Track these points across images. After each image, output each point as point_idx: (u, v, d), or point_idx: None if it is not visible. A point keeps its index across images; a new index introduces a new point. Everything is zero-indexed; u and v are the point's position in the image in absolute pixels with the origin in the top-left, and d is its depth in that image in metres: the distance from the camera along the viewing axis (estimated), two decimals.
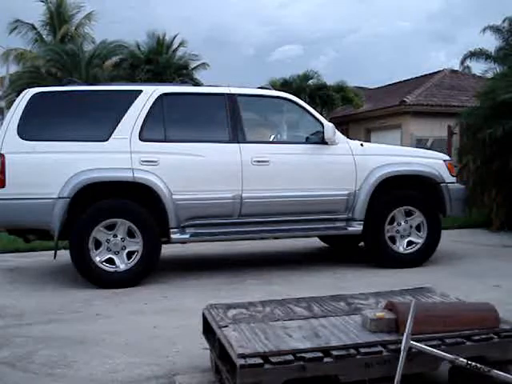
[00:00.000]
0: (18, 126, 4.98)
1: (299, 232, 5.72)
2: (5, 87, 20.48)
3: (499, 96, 8.18)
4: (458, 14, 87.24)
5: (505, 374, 2.30)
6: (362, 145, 5.84)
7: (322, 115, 6.00)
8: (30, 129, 5.00)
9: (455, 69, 20.01)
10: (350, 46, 75.94)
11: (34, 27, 21.56)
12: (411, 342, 2.28)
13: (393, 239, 5.74)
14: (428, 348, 2.30)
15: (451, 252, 6.59)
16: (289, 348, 2.28)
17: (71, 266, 5.10)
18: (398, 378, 2.21)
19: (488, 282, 4.95)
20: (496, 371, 2.27)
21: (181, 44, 20.52)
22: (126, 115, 5.18)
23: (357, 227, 5.62)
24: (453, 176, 6.06)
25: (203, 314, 2.85)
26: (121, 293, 4.79)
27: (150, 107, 5.25)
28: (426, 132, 16.08)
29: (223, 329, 2.52)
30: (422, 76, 20.02)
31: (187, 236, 5.21)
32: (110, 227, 5.01)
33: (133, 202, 5.06)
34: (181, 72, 19.37)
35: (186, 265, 6.36)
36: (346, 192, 5.58)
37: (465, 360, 2.27)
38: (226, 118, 5.43)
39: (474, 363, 2.25)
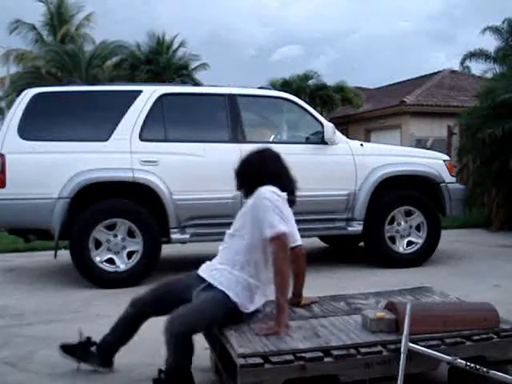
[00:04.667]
0: (19, 126, 4.98)
1: (299, 232, 5.71)
2: (5, 88, 20.48)
3: (499, 96, 8.19)
4: (457, 15, 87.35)
5: (504, 375, 2.30)
6: (361, 145, 5.85)
7: (321, 115, 6.00)
8: (30, 129, 5.00)
9: (455, 69, 20.06)
10: (350, 46, 76.04)
11: (34, 27, 21.57)
12: (410, 344, 2.28)
13: (393, 239, 5.75)
14: (427, 350, 2.30)
15: (451, 252, 6.59)
16: (289, 348, 2.28)
17: (71, 266, 5.11)
18: (400, 383, 2.21)
19: (488, 281, 4.96)
20: (494, 372, 2.27)
21: (181, 44, 20.55)
22: (126, 115, 5.18)
23: (357, 227, 5.62)
24: (452, 176, 6.07)
25: None
26: (121, 293, 4.78)
27: (150, 107, 5.25)
28: (425, 132, 16.09)
29: (223, 329, 2.52)
30: (421, 76, 20.04)
31: (187, 236, 5.21)
32: (110, 227, 5.02)
33: (133, 202, 5.06)
34: (181, 72, 19.38)
35: (185, 265, 6.34)
36: (346, 192, 5.58)
37: (463, 362, 2.27)
38: (226, 118, 5.43)
39: (472, 364, 2.25)
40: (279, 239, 2.48)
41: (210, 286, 2.58)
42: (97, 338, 3.45)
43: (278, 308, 2.48)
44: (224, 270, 2.62)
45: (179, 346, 2.43)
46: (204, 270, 2.71)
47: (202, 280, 2.64)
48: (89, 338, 2.86)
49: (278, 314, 2.48)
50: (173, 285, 2.76)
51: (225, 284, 2.57)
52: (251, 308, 2.59)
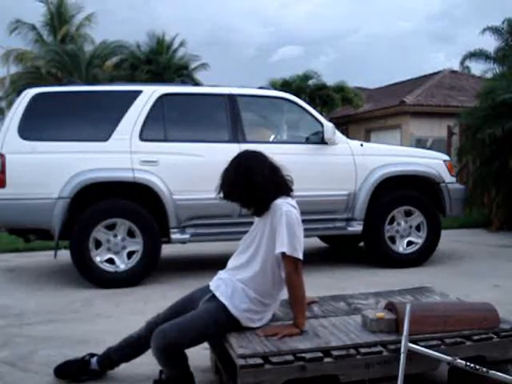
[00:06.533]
0: (19, 126, 4.98)
1: None
2: (5, 88, 20.49)
3: (499, 96, 8.20)
4: (457, 15, 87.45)
5: (503, 375, 2.30)
6: (361, 145, 5.85)
7: (321, 115, 6.00)
8: (30, 129, 4.99)
9: (455, 69, 20.06)
10: (350, 46, 76.12)
11: (34, 27, 21.60)
12: (410, 344, 2.28)
13: (393, 239, 5.75)
14: (427, 350, 2.30)
15: (451, 252, 6.60)
16: (289, 348, 2.28)
17: (71, 266, 5.11)
18: (400, 383, 2.21)
19: (488, 281, 4.96)
20: (494, 372, 2.27)
21: (181, 44, 20.59)
22: (126, 115, 5.18)
23: (357, 227, 5.62)
24: (452, 176, 6.07)
25: None
26: (121, 293, 4.79)
27: (150, 107, 5.25)
28: (425, 132, 16.09)
29: None
30: (421, 76, 20.04)
31: (187, 236, 5.21)
32: (111, 227, 5.02)
33: (133, 202, 5.06)
34: (181, 72, 19.40)
35: (186, 265, 6.37)
36: (346, 192, 5.58)
37: (463, 362, 2.27)
38: (226, 118, 5.43)
39: (472, 364, 2.25)
40: (297, 263, 2.41)
41: (213, 297, 2.49)
42: (96, 337, 3.46)
43: (294, 324, 2.45)
44: (229, 280, 2.52)
45: (166, 360, 2.38)
46: (213, 280, 2.63)
47: (210, 290, 2.55)
48: (91, 355, 2.79)
49: (291, 326, 2.44)
50: (187, 299, 2.64)
51: (225, 295, 2.47)
52: (256, 324, 2.49)
